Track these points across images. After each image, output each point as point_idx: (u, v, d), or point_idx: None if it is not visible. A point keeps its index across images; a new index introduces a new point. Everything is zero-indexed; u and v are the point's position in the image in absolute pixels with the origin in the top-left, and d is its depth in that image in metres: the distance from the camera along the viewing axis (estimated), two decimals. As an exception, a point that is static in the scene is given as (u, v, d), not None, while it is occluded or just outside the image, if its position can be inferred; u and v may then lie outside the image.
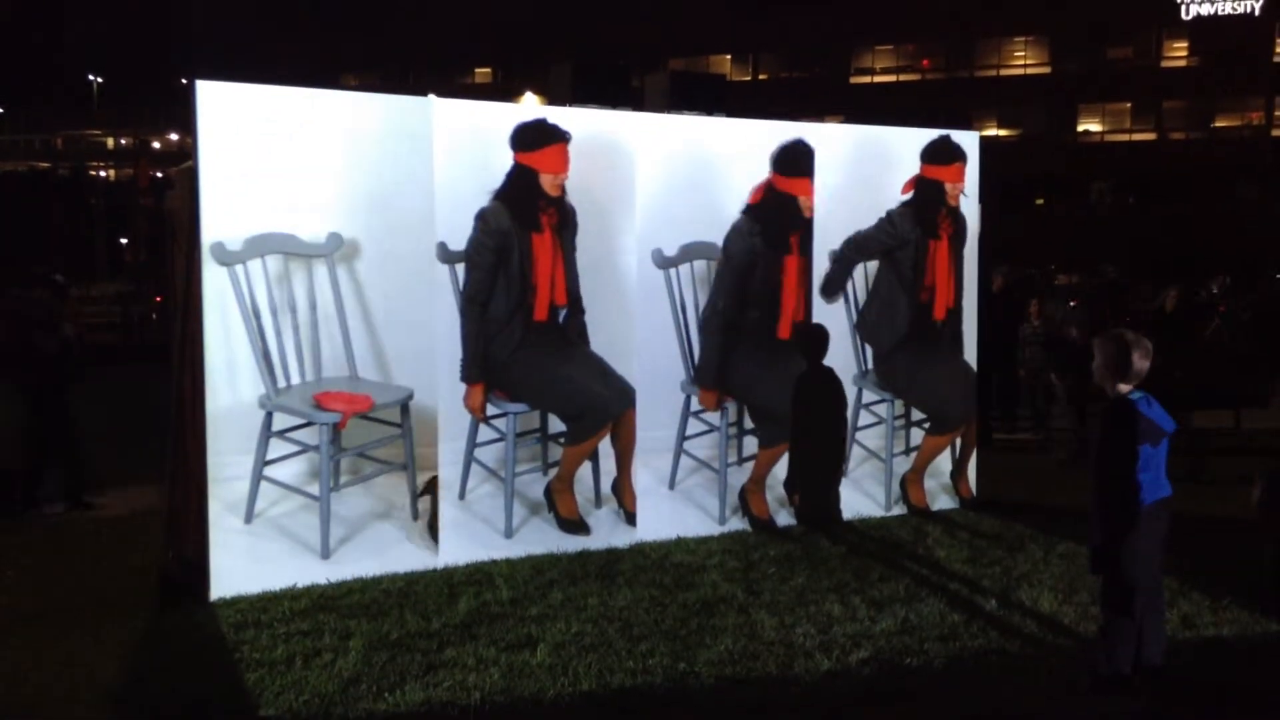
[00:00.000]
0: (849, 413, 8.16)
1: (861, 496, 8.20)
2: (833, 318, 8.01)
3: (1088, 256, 30.74)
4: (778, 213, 7.53)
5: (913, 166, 8.19)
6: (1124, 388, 4.77)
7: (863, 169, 8.07)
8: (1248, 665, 5.39)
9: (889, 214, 8.06)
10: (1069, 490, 8.85)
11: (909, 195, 8.10)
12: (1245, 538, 6.73)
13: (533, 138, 6.89)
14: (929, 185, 8.11)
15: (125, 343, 23.59)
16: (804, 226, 7.64)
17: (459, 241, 6.81)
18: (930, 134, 8.29)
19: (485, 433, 7.07)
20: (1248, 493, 6.29)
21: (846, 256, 7.97)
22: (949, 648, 5.49)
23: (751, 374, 7.66)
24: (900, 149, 8.24)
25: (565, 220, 7.02)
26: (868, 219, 8.07)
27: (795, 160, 7.57)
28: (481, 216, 6.79)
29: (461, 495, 7.01)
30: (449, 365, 6.87)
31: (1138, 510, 4.65)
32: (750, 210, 7.52)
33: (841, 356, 8.05)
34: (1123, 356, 4.74)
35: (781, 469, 7.90)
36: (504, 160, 6.93)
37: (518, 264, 6.88)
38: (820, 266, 7.91)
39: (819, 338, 7.83)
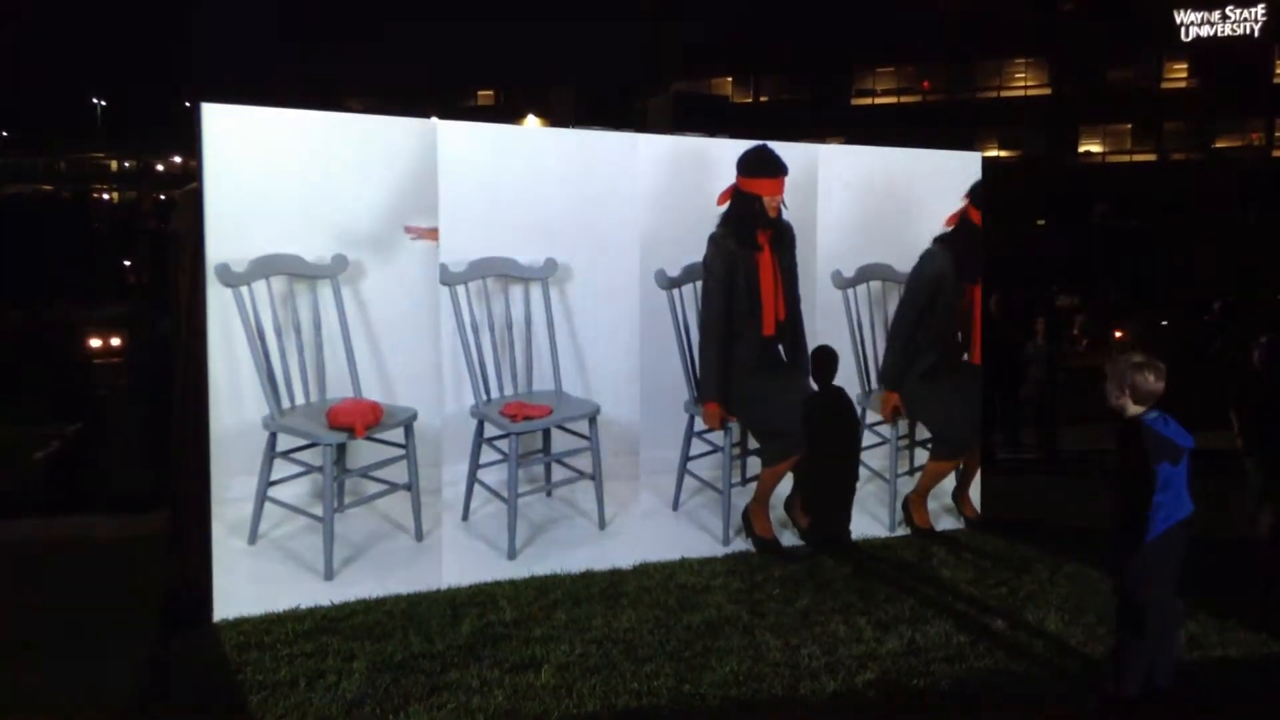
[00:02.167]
0: (860, 433, 8.17)
1: (866, 517, 8.17)
2: (834, 327, 8.03)
3: (1088, 277, 30.77)
4: (744, 212, 7.57)
5: (915, 185, 8.23)
6: (1136, 409, 4.77)
7: (864, 189, 8.10)
8: (1255, 686, 5.37)
9: (928, 252, 8.24)
10: (1074, 510, 8.85)
11: (949, 227, 8.29)
12: (1252, 558, 6.71)
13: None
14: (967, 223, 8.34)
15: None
16: (772, 226, 7.67)
17: (457, 262, 6.84)
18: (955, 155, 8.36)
19: (488, 454, 7.07)
20: (1256, 515, 6.28)
21: (908, 318, 8.22)
22: (955, 669, 5.47)
23: (749, 392, 7.66)
24: (902, 169, 8.27)
25: None
26: (869, 239, 8.10)
27: (756, 162, 7.62)
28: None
29: (465, 516, 7.00)
30: (453, 386, 6.87)
31: (1146, 531, 4.65)
32: (720, 218, 7.56)
33: (843, 378, 8.07)
34: (1132, 378, 4.75)
35: (784, 488, 7.89)
36: (505, 182, 6.96)
37: None
38: (822, 281, 7.94)
39: (826, 359, 7.88)
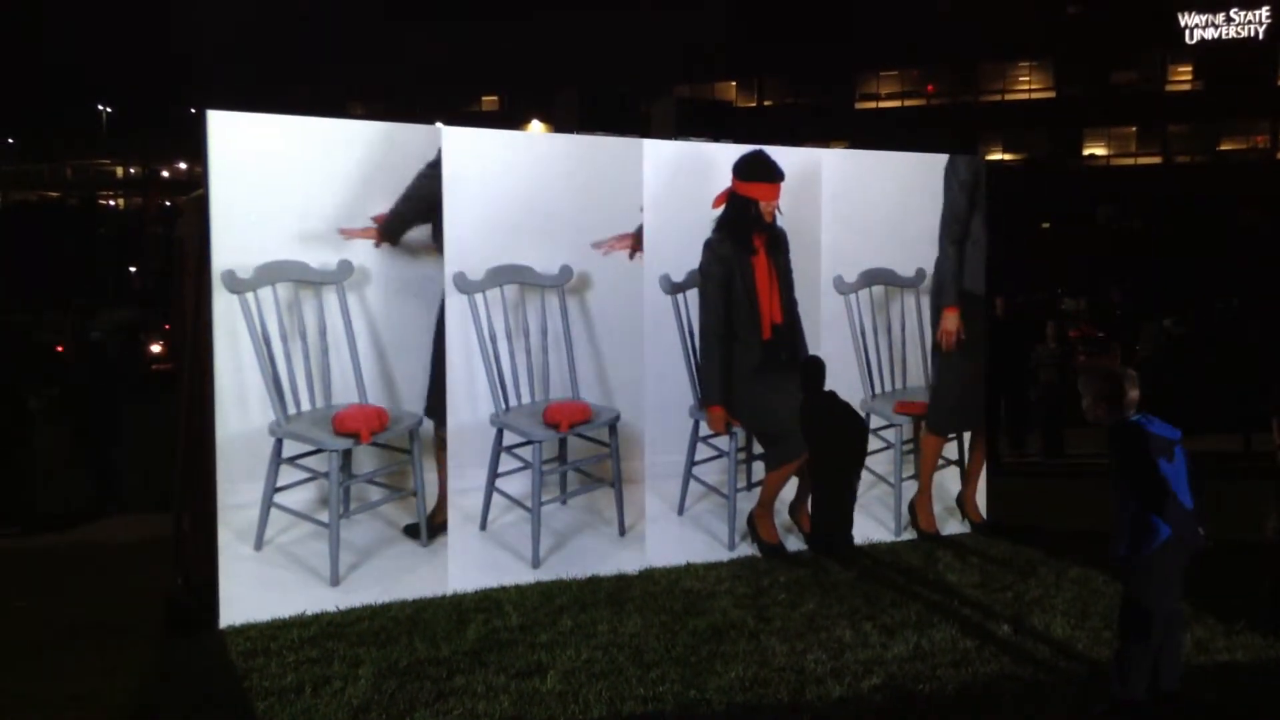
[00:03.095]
0: (861, 439, 8.16)
1: (871, 521, 8.17)
2: (837, 332, 8.04)
3: (1094, 280, 30.73)
4: (740, 216, 7.59)
5: (918, 189, 8.24)
6: (1120, 417, 4.77)
7: (868, 194, 8.10)
8: (1261, 690, 5.36)
9: (955, 160, 8.35)
10: (1080, 514, 8.84)
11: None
12: (1258, 562, 6.70)
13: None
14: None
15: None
16: (768, 231, 7.68)
17: (475, 270, 6.85)
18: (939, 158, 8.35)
19: (507, 462, 7.07)
20: (1263, 518, 6.27)
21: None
22: (961, 674, 5.46)
23: (751, 397, 7.68)
24: (906, 173, 8.28)
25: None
26: (873, 241, 8.10)
27: (753, 167, 7.64)
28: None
29: (483, 526, 7.00)
30: (459, 392, 6.88)
31: (1180, 510, 4.66)
32: (715, 223, 7.57)
33: (847, 384, 8.09)
34: (1115, 389, 4.78)
35: (789, 493, 7.90)
36: (509, 187, 6.97)
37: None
38: (825, 287, 7.95)
39: (812, 368, 7.94)
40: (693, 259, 7.52)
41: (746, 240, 7.58)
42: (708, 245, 7.53)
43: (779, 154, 7.76)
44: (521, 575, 7.00)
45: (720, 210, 7.55)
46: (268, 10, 51.85)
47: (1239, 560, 7.16)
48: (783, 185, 7.70)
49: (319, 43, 50.83)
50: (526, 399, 7.13)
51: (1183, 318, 15.67)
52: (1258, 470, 9.08)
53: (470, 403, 6.93)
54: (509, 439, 7.07)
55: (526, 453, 7.11)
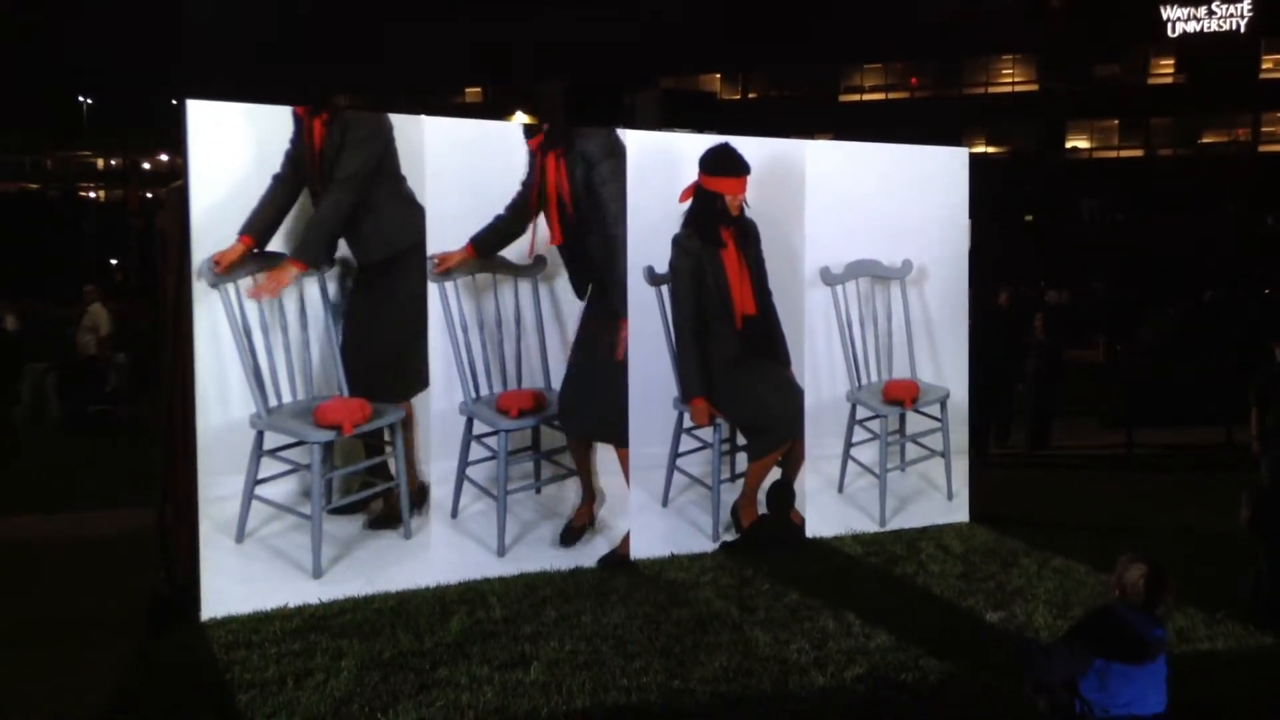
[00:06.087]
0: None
1: (855, 511, 8.18)
2: (823, 323, 8.04)
3: (1077, 273, 30.84)
4: (706, 210, 7.59)
5: (903, 181, 8.24)
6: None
7: (852, 185, 8.10)
8: (1242, 678, 5.39)
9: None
10: (1063, 506, 8.89)
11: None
12: (1237, 552, 6.74)
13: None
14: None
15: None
16: (735, 224, 7.67)
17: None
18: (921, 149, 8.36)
19: (476, 451, 7.05)
20: (1237, 509, 6.31)
21: None
22: (944, 663, 5.48)
23: (728, 388, 7.68)
24: (890, 165, 8.29)
25: None
26: (857, 233, 8.10)
27: (718, 160, 7.64)
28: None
29: (454, 514, 6.98)
30: (440, 384, 6.86)
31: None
32: (683, 218, 7.55)
33: (834, 375, 8.09)
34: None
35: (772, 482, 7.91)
36: (494, 176, 6.94)
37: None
38: (810, 278, 7.95)
39: None
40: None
41: (714, 234, 7.58)
42: (675, 242, 7.53)
43: (763, 145, 7.75)
44: (505, 567, 6.98)
45: (687, 205, 7.54)
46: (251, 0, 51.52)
47: (1219, 550, 7.21)
48: (766, 177, 7.69)
49: (303, 33, 50.52)
50: (499, 388, 7.09)
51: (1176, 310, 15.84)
52: (1239, 462, 9.13)
53: (444, 391, 6.91)
54: (478, 428, 7.05)
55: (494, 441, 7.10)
